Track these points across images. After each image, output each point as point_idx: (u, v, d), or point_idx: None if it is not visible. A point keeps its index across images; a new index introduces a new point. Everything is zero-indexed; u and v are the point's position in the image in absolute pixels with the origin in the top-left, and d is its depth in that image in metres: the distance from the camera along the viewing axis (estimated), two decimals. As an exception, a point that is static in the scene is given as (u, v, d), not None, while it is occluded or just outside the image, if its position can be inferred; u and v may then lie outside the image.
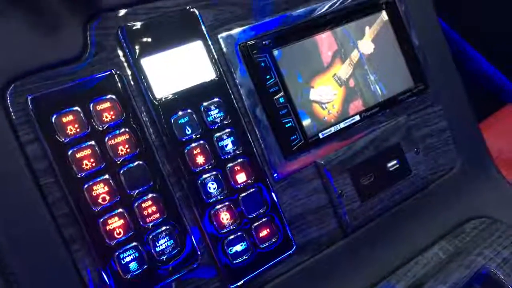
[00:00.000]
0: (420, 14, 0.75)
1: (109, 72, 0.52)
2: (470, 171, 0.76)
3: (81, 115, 0.50)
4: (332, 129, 0.64)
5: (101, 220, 0.50)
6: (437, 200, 0.72)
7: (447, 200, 0.73)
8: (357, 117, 0.66)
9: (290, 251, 0.59)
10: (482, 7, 1.30)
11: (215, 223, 0.55)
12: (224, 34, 0.59)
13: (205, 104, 0.56)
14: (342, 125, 0.64)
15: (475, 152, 0.78)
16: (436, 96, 0.74)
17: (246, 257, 0.56)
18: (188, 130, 0.55)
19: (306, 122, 0.62)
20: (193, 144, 0.55)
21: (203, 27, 0.58)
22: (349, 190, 0.64)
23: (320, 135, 0.63)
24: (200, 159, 0.55)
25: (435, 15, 0.77)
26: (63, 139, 0.49)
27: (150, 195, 0.52)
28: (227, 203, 0.56)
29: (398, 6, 0.72)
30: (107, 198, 0.50)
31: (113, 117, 0.51)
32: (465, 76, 0.80)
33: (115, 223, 0.50)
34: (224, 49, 0.59)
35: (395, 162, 0.68)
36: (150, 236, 0.52)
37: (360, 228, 0.65)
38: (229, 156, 0.57)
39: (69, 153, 0.49)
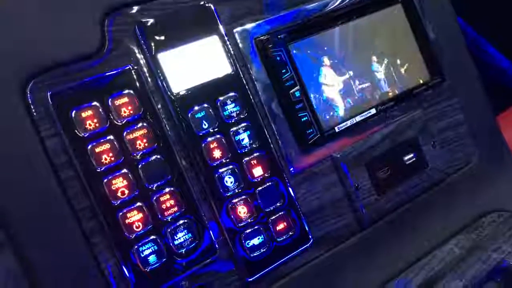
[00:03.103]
0: (436, 7, 0.74)
1: (126, 68, 0.53)
2: (488, 165, 0.75)
3: (100, 110, 0.51)
4: (348, 123, 0.64)
5: (120, 213, 0.50)
6: (455, 194, 0.71)
7: (465, 194, 0.72)
8: (373, 111, 0.66)
9: (307, 245, 0.59)
10: (498, 2, 1.29)
11: (232, 216, 0.55)
12: (239, 28, 0.59)
13: (221, 98, 0.57)
14: (358, 118, 0.64)
15: (493, 145, 0.77)
16: (453, 89, 0.73)
17: (263, 250, 0.57)
18: (205, 125, 0.55)
19: (322, 116, 0.62)
20: (210, 138, 0.55)
21: (218, 22, 0.58)
22: (365, 183, 0.64)
23: (336, 129, 0.63)
24: (217, 153, 0.55)
25: (451, 8, 0.77)
26: (83, 134, 0.50)
27: (168, 189, 0.53)
28: (244, 197, 0.56)
29: (414, -1, 0.71)
30: (126, 192, 0.51)
31: (131, 112, 0.52)
32: (481, 71, 0.79)
33: (134, 216, 0.51)
34: (240, 44, 0.59)
35: (411, 155, 0.67)
36: (169, 230, 0.52)
37: (377, 222, 0.65)
38: (245, 150, 0.57)
39: (89, 147, 0.50)
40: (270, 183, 0.58)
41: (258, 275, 0.56)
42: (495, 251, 0.66)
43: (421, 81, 0.70)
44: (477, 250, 0.66)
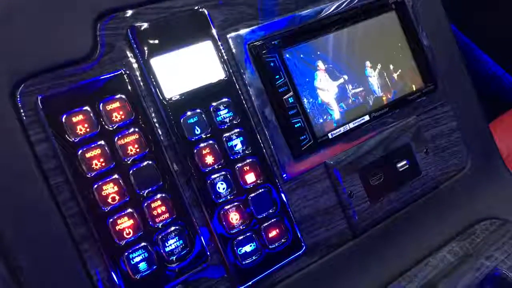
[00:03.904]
0: (430, 14, 0.74)
1: (118, 72, 0.52)
2: (481, 172, 0.75)
3: (91, 115, 0.50)
4: (342, 129, 0.63)
5: (111, 220, 0.50)
6: (448, 201, 0.71)
7: (458, 201, 0.72)
8: (367, 117, 0.65)
9: (300, 252, 0.59)
10: (490, 9, 1.30)
11: (224, 223, 0.55)
12: (233, 34, 0.59)
13: (214, 104, 0.56)
14: (351, 125, 0.64)
15: (485, 152, 0.77)
16: (446, 96, 0.73)
17: (255, 257, 0.56)
18: (197, 130, 0.55)
19: (315, 122, 0.62)
20: (202, 144, 0.55)
21: (212, 27, 0.57)
22: (358, 190, 0.64)
23: (330, 135, 0.62)
24: (209, 159, 0.55)
25: (444, 15, 0.77)
26: (73, 139, 0.49)
27: (159, 195, 0.52)
28: (236, 203, 0.56)
29: (407, 6, 0.71)
30: (117, 198, 0.50)
31: (123, 117, 0.51)
32: (474, 78, 0.79)
33: (125, 223, 0.50)
34: (233, 49, 0.59)
35: (405, 162, 0.67)
36: (160, 236, 0.52)
37: (370, 229, 0.65)
38: (238, 156, 0.57)
39: (79, 153, 0.49)
40: (262, 190, 0.57)
41: (249, 283, 0.56)
42: (487, 259, 0.66)
43: (414, 88, 0.70)
44: (470, 258, 0.66)
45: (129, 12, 0.54)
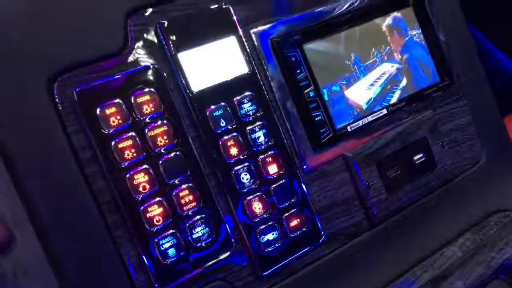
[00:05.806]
0: (446, 9, 0.76)
1: (148, 66, 0.54)
2: (495, 165, 0.76)
3: (123, 107, 0.52)
4: (360, 123, 0.65)
5: (142, 207, 0.52)
6: (463, 194, 0.73)
7: (472, 194, 0.73)
8: (384, 111, 0.67)
9: (319, 241, 0.61)
10: (504, 5, 1.30)
11: (248, 212, 0.57)
12: (256, 29, 0.61)
13: (238, 97, 0.58)
14: (369, 118, 0.66)
15: (500, 146, 0.78)
16: (462, 91, 0.75)
17: (278, 245, 0.58)
18: (222, 123, 0.57)
19: (335, 115, 0.64)
20: (227, 136, 0.57)
21: (236, 23, 0.59)
22: (376, 182, 0.65)
23: (349, 128, 0.64)
24: (233, 151, 0.57)
25: (460, 11, 0.78)
26: (107, 130, 0.51)
27: (187, 185, 0.54)
28: (259, 194, 0.58)
29: (424, 1, 0.73)
30: (147, 186, 0.52)
31: (153, 109, 0.54)
32: (488, 74, 0.80)
33: (155, 210, 0.52)
34: (256, 44, 0.61)
35: (421, 155, 0.69)
36: (187, 224, 0.54)
37: (387, 220, 0.67)
38: (261, 148, 0.59)
39: (112, 143, 0.51)
40: (284, 181, 0.59)
41: (272, 270, 0.58)
42: (501, 250, 0.67)
43: (431, 83, 0.72)
44: (484, 249, 0.67)
45: (158, 9, 0.56)
